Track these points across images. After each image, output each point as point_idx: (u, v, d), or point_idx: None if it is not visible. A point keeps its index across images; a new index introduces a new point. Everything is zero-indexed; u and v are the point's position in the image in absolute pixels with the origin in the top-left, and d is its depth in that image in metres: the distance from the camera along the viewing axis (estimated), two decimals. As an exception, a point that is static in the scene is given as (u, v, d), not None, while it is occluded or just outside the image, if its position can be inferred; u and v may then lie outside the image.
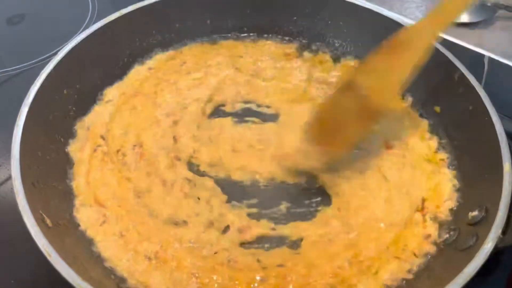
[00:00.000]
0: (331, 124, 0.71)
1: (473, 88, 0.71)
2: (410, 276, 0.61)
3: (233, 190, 0.71)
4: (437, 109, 0.79)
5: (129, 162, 0.72)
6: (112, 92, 0.82)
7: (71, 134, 0.74)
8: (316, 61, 0.91)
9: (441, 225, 0.66)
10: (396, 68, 0.67)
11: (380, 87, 0.67)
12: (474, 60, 0.91)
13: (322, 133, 0.72)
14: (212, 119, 0.81)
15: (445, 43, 0.79)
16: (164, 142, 0.75)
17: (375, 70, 0.68)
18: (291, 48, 0.92)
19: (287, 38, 0.94)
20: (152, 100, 0.81)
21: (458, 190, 0.69)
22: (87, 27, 0.97)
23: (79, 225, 0.64)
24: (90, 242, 0.63)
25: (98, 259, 0.62)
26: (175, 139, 0.76)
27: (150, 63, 0.88)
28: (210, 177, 0.72)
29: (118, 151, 0.74)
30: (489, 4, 1.03)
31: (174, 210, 0.67)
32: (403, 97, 0.83)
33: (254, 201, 0.70)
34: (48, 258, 0.51)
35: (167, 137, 0.76)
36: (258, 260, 0.63)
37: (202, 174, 0.73)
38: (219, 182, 0.72)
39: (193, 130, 0.78)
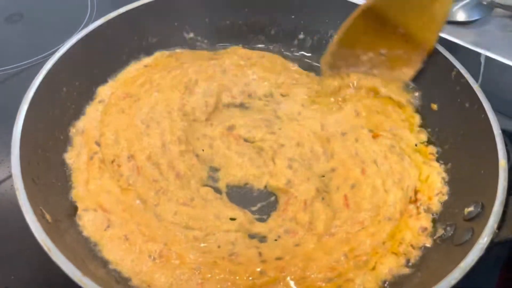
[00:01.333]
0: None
1: (469, 85, 0.71)
2: (407, 271, 0.62)
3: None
4: (434, 106, 0.79)
5: (126, 174, 0.71)
6: (104, 91, 0.81)
7: (69, 138, 0.74)
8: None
9: (436, 218, 0.67)
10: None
11: (423, 24, 0.73)
12: (471, 59, 0.91)
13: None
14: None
15: (442, 41, 0.80)
16: (155, 154, 0.74)
17: (410, 6, 0.72)
18: (289, 47, 0.94)
19: (286, 36, 0.94)
20: (138, 102, 0.80)
21: (447, 183, 0.71)
22: (86, 25, 0.97)
23: (82, 231, 0.65)
24: (93, 244, 0.64)
25: (99, 255, 0.62)
26: (164, 146, 0.75)
27: (147, 60, 0.88)
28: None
29: (112, 161, 0.72)
30: (485, 3, 1.04)
31: (188, 218, 0.68)
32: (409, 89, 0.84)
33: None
34: (48, 253, 0.52)
35: (156, 146, 0.74)
36: (260, 254, 0.64)
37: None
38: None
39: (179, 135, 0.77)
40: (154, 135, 0.75)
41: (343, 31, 0.76)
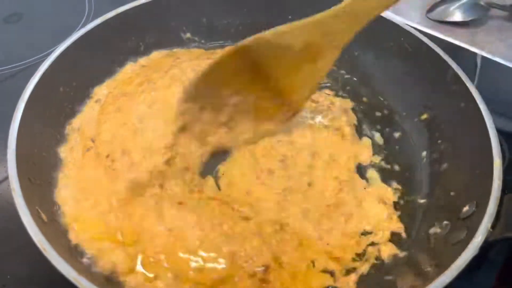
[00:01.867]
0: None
1: (465, 85, 0.71)
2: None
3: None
4: (425, 116, 0.80)
5: (118, 169, 0.70)
6: (101, 91, 0.82)
7: (64, 135, 0.75)
8: None
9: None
10: (314, 71, 0.67)
11: (296, 86, 0.69)
12: (467, 59, 0.92)
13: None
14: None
15: (438, 41, 0.80)
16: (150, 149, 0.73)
17: (287, 63, 0.67)
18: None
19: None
20: (135, 101, 0.79)
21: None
22: (84, 25, 0.97)
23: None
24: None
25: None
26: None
27: (144, 61, 0.88)
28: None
29: (107, 156, 0.72)
30: (482, 3, 1.04)
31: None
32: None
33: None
34: (44, 252, 0.52)
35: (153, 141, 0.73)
36: None
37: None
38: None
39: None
40: (153, 130, 0.75)
41: (211, 66, 0.68)
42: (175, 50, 0.92)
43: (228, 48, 0.67)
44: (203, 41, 0.94)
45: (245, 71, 0.68)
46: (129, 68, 0.87)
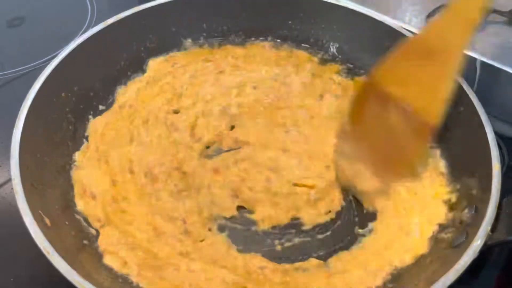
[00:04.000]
0: (376, 145, 0.68)
1: (463, 90, 0.72)
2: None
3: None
4: None
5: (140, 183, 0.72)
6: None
7: (74, 140, 0.76)
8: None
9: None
10: (439, 78, 0.64)
11: (427, 99, 0.65)
12: (466, 64, 0.92)
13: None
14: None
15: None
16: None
17: (412, 80, 0.66)
18: (284, 51, 0.94)
19: (281, 42, 0.95)
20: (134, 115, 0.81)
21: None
22: (86, 30, 0.98)
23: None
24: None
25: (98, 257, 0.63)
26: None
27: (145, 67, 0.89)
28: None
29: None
30: (481, 8, 1.04)
31: None
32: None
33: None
34: (47, 256, 0.52)
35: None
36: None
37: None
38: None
39: None
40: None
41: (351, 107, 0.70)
42: (171, 54, 0.92)
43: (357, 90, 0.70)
44: (202, 44, 0.94)
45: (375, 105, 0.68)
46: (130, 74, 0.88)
